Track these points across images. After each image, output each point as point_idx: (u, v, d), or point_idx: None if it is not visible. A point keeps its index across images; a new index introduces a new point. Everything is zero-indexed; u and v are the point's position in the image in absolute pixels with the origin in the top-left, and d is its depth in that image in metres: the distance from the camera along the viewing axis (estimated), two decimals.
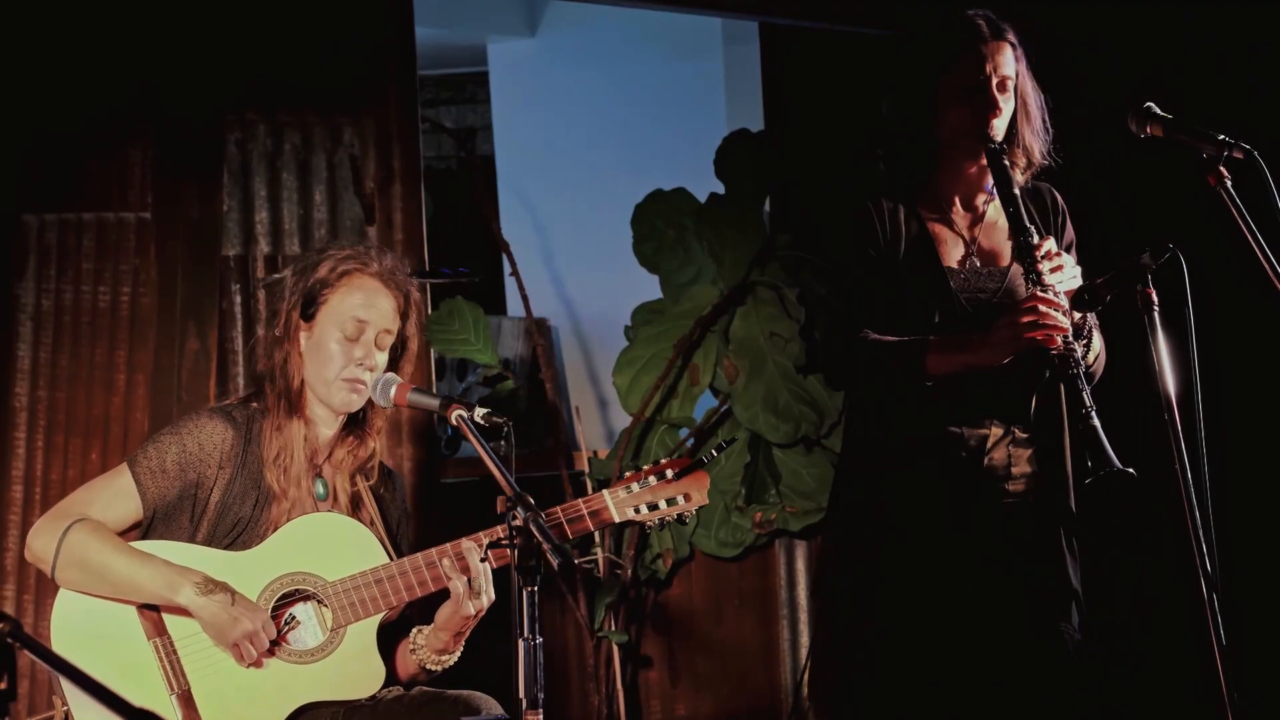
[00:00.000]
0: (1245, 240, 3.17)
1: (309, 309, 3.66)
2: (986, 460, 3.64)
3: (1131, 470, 3.38)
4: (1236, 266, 3.46)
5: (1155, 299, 3.21)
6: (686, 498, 3.69)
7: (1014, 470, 3.66)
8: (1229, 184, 3.21)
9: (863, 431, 3.77)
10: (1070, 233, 3.80)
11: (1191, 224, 4.00)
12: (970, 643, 3.62)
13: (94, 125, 4.72)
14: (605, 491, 3.68)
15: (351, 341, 3.63)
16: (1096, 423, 3.42)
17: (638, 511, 3.67)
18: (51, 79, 4.64)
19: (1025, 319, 3.48)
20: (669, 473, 3.68)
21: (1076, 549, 3.70)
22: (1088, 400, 3.44)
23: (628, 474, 3.73)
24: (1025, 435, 3.66)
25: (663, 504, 3.68)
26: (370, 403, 3.68)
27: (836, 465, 3.87)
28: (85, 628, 3.52)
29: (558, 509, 3.63)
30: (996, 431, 3.65)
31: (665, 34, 6.33)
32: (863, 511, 3.69)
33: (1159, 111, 3.38)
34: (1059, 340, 3.47)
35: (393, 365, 3.71)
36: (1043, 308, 3.47)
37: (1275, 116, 5.50)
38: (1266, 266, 3.16)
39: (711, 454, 3.67)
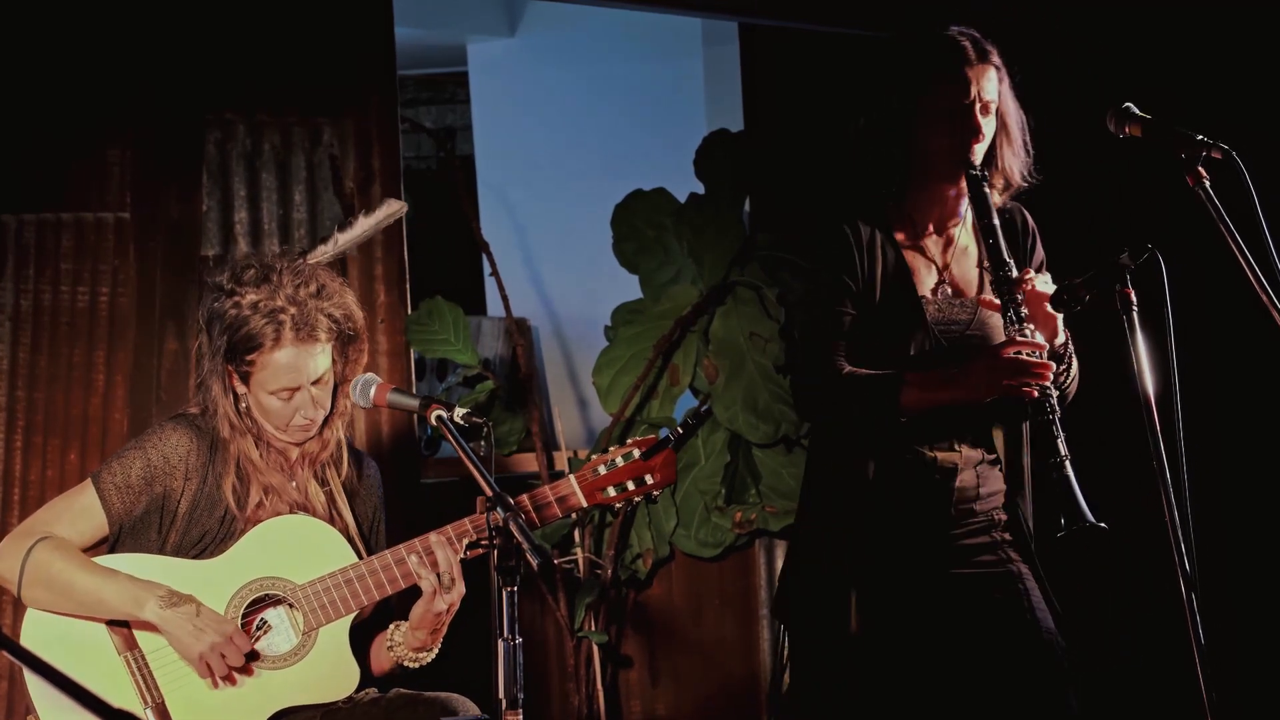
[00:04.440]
0: (1224, 240, 3.17)
1: (240, 371, 3.57)
2: (957, 481, 3.59)
3: (1104, 525, 3.35)
4: (1216, 266, 3.47)
5: (1134, 299, 3.20)
6: (654, 476, 3.62)
7: (983, 490, 3.62)
8: (1207, 184, 3.21)
9: (828, 450, 3.69)
10: (1040, 254, 3.72)
11: (1170, 223, 4.00)
12: (936, 664, 3.57)
13: (73, 125, 4.69)
14: (572, 476, 3.62)
15: (289, 401, 3.58)
16: (1070, 473, 3.38)
17: (605, 494, 3.62)
18: (29, 79, 4.62)
19: (1006, 366, 3.43)
20: (635, 452, 3.62)
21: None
22: (1062, 449, 3.40)
23: (594, 457, 3.69)
24: (993, 457, 3.62)
25: (630, 484, 3.62)
26: None
27: (801, 482, 3.80)
28: (55, 646, 3.49)
29: (524, 496, 3.57)
30: (967, 453, 3.60)
31: (645, 34, 6.33)
32: (829, 532, 3.62)
33: (1137, 111, 3.37)
34: (1035, 393, 3.42)
35: (348, 348, 3.65)
36: (1024, 356, 3.43)
37: (1259, 118, 5.53)
38: (1244, 266, 3.16)
39: (678, 431, 3.60)
